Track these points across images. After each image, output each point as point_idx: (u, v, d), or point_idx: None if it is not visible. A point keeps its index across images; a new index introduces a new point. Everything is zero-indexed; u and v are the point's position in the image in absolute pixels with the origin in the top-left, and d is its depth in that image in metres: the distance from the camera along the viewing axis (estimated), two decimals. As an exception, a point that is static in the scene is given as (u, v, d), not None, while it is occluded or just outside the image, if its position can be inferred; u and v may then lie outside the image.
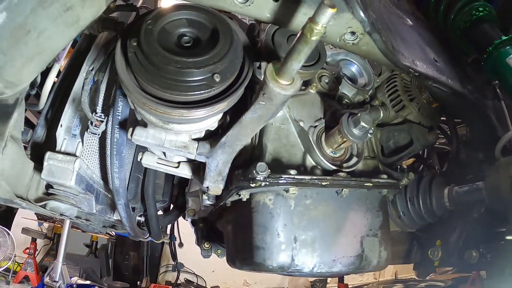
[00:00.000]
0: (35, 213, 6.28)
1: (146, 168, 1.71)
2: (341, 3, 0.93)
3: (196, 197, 1.71)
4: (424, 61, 1.21)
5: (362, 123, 1.17)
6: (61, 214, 1.45)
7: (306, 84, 1.40)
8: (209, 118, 1.11)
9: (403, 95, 1.53)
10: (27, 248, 5.66)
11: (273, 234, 1.16)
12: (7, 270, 5.73)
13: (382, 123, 1.53)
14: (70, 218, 1.54)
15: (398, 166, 1.55)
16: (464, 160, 1.77)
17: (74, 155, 1.28)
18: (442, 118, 1.80)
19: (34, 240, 5.83)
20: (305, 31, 0.85)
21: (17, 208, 6.20)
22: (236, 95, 1.06)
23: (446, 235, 1.63)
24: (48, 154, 1.28)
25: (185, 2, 1.11)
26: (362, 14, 0.90)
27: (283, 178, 1.12)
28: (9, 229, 5.80)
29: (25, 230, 5.88)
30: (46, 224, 6.58)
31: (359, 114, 1.18)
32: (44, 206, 1.34)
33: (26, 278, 5.59)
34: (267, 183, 1.11)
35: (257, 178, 1.11)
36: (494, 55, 1.46)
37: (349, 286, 5.28)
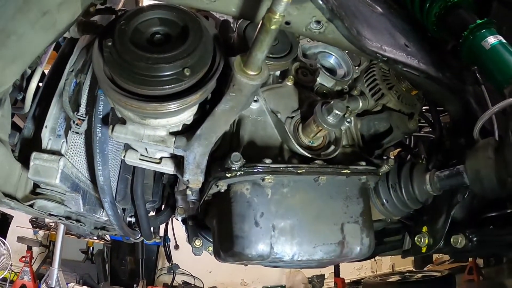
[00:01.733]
0: (30, 221, 6.36)
1: (134, 169, 1.77)
2: (300, -7, 0.98)
3: (184, 196, 1.76)
4: (393, 46, 1.25)
5: (335, 111, 1.21)
6: (50, 214, 1.50)
7: (283, 76, 1.45)
8: (183, 112, 1.17)
9: (382, 84, 1.57)
10: (23, 257, 5.70)
11: (251, 222, 1.20)
12: (4, 279, 5.79)
13: (362, 112, 1.57)
14: (59, 219, 1.59)
15: (384, 157, 1.59)
16: (448, 147, 1.80)
17: (59, 154, 1.34)
18: (425, 107, 1.84)
19: (30, 248, 5.86)
20: (265, 21, 0.90)
21: (12, 217, 6.32)
22: (208, 88, 1.11)
23: (432, 221, 1.65)
24: (34, 154, 1.33)
25: (157, 2, 1.17)
26: (320, 1, 0.95)
27: (258, 167, 1.17)
28: (5, 238, 5.87)
29: (21, 239, 5.93)
30: (41, 232, 6.65)
31: (332, 102, 1.23)
32: (32, 206, 1.40)
33: (23, 287, 5.65)
34: (242, 173, 1.16)
35: (232, 168, 1.16)
36: (470, 39, 1.48)
37: (346, 281, 5.29)
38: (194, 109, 1.20)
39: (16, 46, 1.11)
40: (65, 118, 1.43)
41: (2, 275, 5.73)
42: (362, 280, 6.74)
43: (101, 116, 1.32)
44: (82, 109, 1.39)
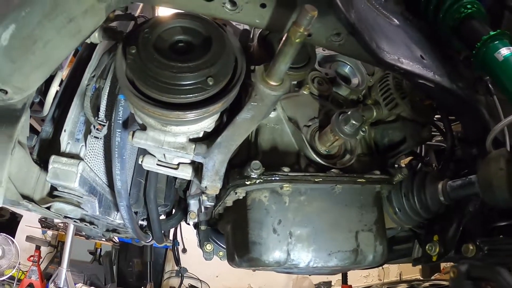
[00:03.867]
0: (39, 221, 6.39)
1: (147, 173, 1.80)
2: (323, 6, 1.01)
3: (197, 200, 1.79)
4: (410, 58, 1.28)
5: (352, 121, 1.25)
6: (65, 216, 1.53)
7: (299, 85, 1.49)
8: (204, 120, 1.20)
9: (396, 93, 1.60)
10: (31, 256, 5.73)
11: (269, 229, 1.23)
12: (12, 278, 5.82)
13: (376, 121, 1.60)
14: (74, 221, 1.62)
15: (396, 165, 1.61)
16: (460, 156, 1.83)
17: (78, 158, 1.37)
18: (437, 116, 1.87)
19: (38, 248, 5.90)
20: (290, 34, 0.94)
21: (21, 216, 6.35)
22: (230, 97, 1.14)
23: (443, 230, 1.68)
24: (53, 157, 1.36)
25: (180, 11, 1.21)
26: (343, 16, 0.99)
27: (276, 175, 1.20)
28: (13, 237, 5.90)
29: (29, 238, 5.97)
30: (50, 232, 6.68)
31: (349, 112, 1.26)
32: (49, 208, 1.43)
33: (30, 286, 5.66)
34: (261, 180, 1.19)
35: (251, 176, 1.19)
36: (483, 50, 1.51)
37: None
38: (216, 117, 1.23)
39: (42, 52, 1.14)
40: (84, 122, 1.46)
41: (10, 274, 5.75)
42: None
43: (120, 122, 1.35)
44: (102, 114, 1.42)
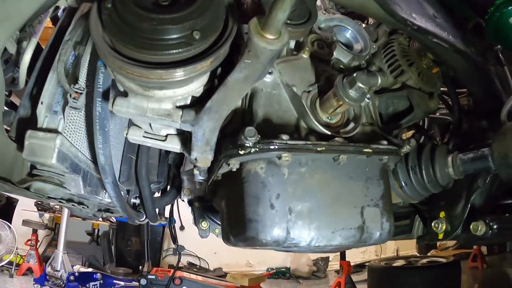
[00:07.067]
0: (35, 204, 6.19)
1: (138, 149, 1.60)
2: None
3: (191, 176, 1.59)
4: (423, 15, 1.07)
5: (359, 83, 1.04)
6: (49, 197, 1.33)
7: (298, 48, 1.27)
8: (192, 82, 0.99)
9: (402, 60, 1.39)
10: (29, 240, 5.55)
11: (266, 205, 1.03)
12: (10, 263, 5.65)
13: (380, 89, 1.39)
14: (60, 202, 1.42)
15: (399, 138, 1.42)
16: (466, 130, 1.63)
17: (55, 132, 1.16)
18: (442, 89, 1.66)
19: (35, 232, 5.70)
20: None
21: (17, 201, 6.12)
22: (220, 54, 0.94)
23: (450, 207, 1.49)
24: (29, 132, 1.16)
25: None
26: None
27: (274, 143, 1.00)
28: (10, 222, 5.70)
29: (26, 222, 5.77)
30: (47, 215, 6.48)
31: (355, 74, 1.05)
32: (28, 188, 1.23)
33: (29, 270, 5.51)
34: (257, 149, 0.99)
35: (246, 144, 0.98)
36: (496, 15, 1.33)
37: (352, 263, 5.16)
38: (204, 79, 1.02)
39: (1, 7, 0.93)
40: (63, 94, 1.25)
41: (8, 259, 5.58)
42: (366, 264, 6.63)
43: (101, 90, 1.14)
44: (82, 83, 1.21)
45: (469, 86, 1.45)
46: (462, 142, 1.60)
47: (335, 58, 1.35)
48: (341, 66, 1.35)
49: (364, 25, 1.50)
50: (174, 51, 0.88)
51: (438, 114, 1.86)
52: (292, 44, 1.29)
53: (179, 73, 0.90)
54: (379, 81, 1.33)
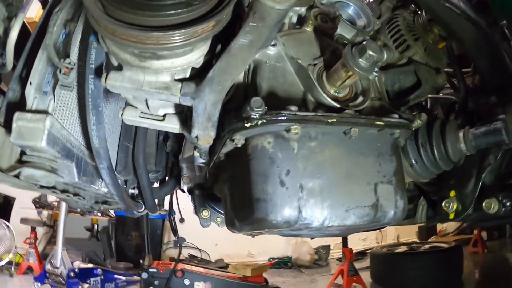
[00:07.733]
0: (33, 202, 6.01)
1: (135, 136, 1.50)
2: None
3: (190, 163, 1.51)
4: (434, -22, 1.00)
5: (369, 51, 0.97)
6: (41, 186, 1.23)
7: (301, 22, 1.20)
8: (192, 51, 0.90)
9: (407, 35, 1.33)
10: (28, 238, 5.37)
11: (275, 182, 0.94)
12: (10, 262, 5.46)
13: (385, 65, 1.32)
14: (54, 192, 1.32)
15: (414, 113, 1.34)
16: (472, 108, 1.57)
17: (45, 113, 1.07)
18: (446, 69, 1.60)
19: (33, 229, 5.52)
20: None
21: (14, 199, 5.93)
22: (222, 17, 0.85)
23: (461, 185, 1.42)
24: (17, 114, 1.06)
25: None
26: None
27: (282, 115, 0.91)
28: (8, 221, 5.52)
29: (24, 220, 5.59)
30: (45, 212, 6.29)
31: (365, 42, 0.98)
32: (18, 176, 1.13)
33: (29, 269, 5.34)
34: (264, 121, 0.90)
35: (252, 116, 0.90)
36: (503, -9, 1.27)
37: (353, 251, 5.07)
38: (205, 49, 0.93)
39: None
40: (53, 74, 1.15)
41: (8, 258, 5.39)
42: (368, 251, 6.55)
43: (93, 66, 1.05)
44: (73, 59, 1.11)
45: (477, 60, 1.38)
46: (467, 120, 1.54)
47: (339, 34, 1.28)
48: (345, 41, 1.27)
49: (366, 1, 1.44)
50: (172, 11, 0.79)
51: (441, 94, 1.79)
52: (295, 18, 1.22)
53: (178, 37, 0.81)
54: (385, 56, 1.27)
